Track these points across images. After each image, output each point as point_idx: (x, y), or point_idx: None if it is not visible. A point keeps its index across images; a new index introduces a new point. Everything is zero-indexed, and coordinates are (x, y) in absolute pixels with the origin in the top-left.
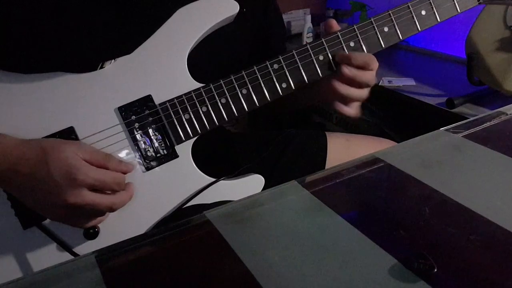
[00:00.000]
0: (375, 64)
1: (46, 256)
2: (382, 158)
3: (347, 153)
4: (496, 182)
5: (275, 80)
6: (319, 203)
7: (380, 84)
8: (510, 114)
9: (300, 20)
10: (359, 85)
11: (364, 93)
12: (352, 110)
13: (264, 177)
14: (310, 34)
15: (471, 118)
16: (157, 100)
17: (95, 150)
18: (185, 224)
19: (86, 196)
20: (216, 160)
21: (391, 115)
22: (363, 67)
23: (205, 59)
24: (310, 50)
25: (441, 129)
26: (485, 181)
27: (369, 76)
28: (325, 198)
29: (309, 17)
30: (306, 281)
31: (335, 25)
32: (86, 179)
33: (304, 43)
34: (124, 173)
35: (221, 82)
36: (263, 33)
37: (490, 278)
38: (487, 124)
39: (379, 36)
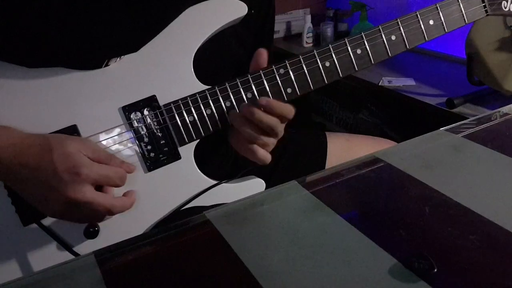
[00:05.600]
0: (283, 112)
1: (46, 255)
2: (382, 158)
3: (347, 153)
4: (496, 182)
5: (280, 84)
6: (319, 203)
7: (380, 84)
8: (510, 114)
9: (300, 20)
10: (261, 127)
11: (269, 141)
12: (261, 155)
13: (264, 177)
14: (310, 34)
15: (471, 118)
16: (162, 101)
17: (98, 148)
18: (185, 224)
19: (87, 192)
20: (217, 160)
21: (391, 115)
22: (269, 112)
23: (209, 59)
24: (317, 56)
25: (441, 129)
26: (485, 181)
27: (270, 121)
28: (325, 198)
29: (309, 17)
30: (306, 281)
31: (263, 57)
32: (89, 174)
33: (304, 43)
34: (126, 172)
35: (227, 85)
36: (259, 36)
37: (490, 278)
38: (487, 124)
39: (386, 44)
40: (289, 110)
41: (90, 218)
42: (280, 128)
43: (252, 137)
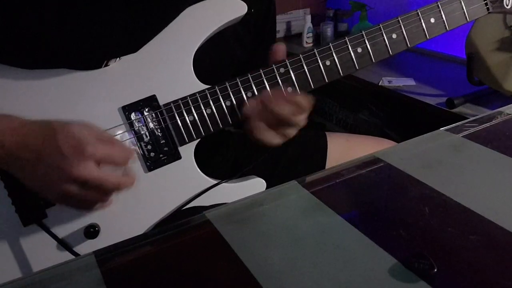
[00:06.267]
0: (297, 101)
1: (46, 255)
2: (382, 158)
3: (347, 153)
4: (496, 182)
5: (280, 84)
6: (319, 203)
7: (380, 84)
8: (510, 114)
9: (300, 20)
10: (277, 116)
11: (285, 131)
12: (275, 140)
13: (264, 178)
14: (310, 34)
15: (471, 118)
16: (162, 101)
17: (101, 131)
18: (185, 224)
19: (94, 169)
20: (217, 160)
21: (391, 115)
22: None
23: (209, 59)
24: (317, 55)
25: (441, 129)
26: (485, 181)
27: (284, 110)
28: (325, 198)
29: (309, 17)
30: (306, 281)
31: (281, 50)
32: (94, 151)
33: (304, 43)
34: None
35: (227, 84)
36: (259, 36)
37: (490, 278)
38: (487, 124)
39: (387, 42)
40: (302, 99)
41: (97, 197)
42: (295, 119)
43: (270, 124)
